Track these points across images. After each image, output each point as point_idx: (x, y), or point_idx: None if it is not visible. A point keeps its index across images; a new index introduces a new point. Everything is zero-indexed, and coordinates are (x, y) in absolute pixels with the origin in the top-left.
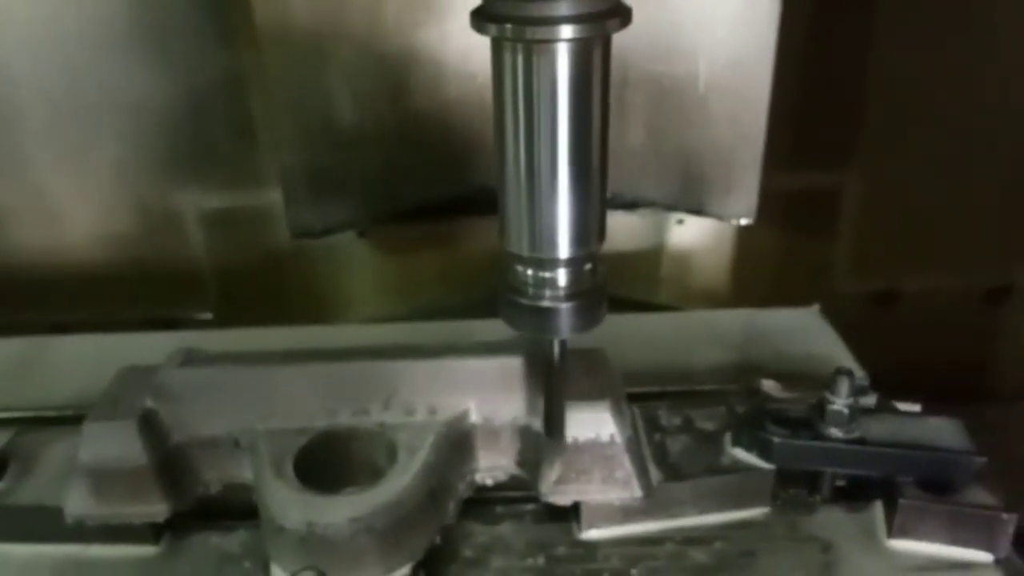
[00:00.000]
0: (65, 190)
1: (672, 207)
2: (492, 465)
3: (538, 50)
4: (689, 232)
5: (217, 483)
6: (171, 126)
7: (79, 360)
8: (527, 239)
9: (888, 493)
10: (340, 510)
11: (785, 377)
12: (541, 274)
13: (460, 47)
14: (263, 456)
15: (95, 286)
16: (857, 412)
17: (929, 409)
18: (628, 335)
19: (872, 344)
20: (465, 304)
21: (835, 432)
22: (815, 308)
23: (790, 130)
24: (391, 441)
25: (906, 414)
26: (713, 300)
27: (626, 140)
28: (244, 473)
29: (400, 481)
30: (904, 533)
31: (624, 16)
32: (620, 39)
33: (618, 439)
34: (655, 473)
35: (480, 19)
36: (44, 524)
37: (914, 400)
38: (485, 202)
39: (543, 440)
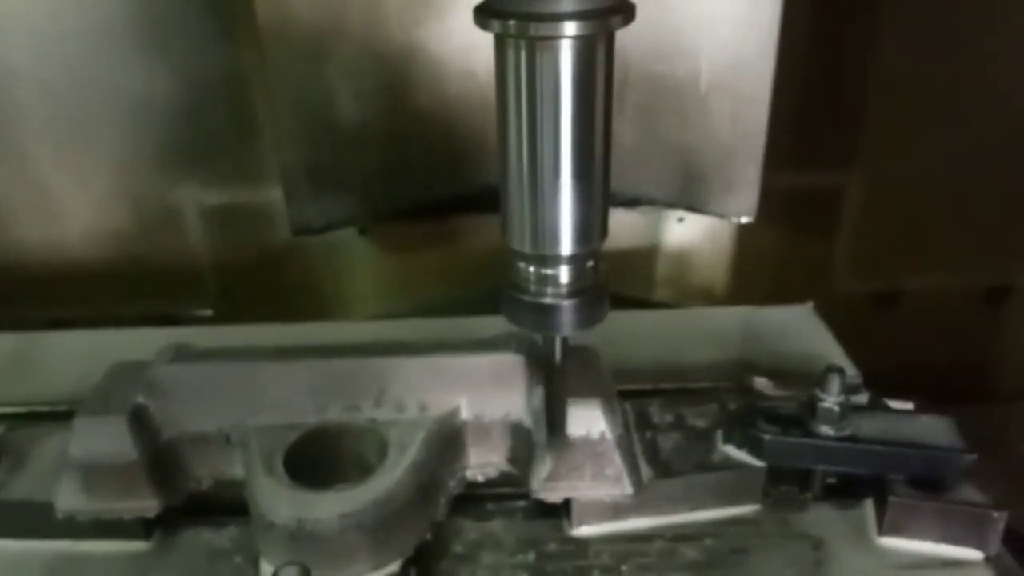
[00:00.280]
0: (65, 186)
1: (673, 205)
2: (483, 462)
3: (541, 46)
4: (689, 230)
5: (208, 479)
6: (172, 122)
7: (73, 356)
8: (529, 236)
9: (879, 491)
10: (330, 506)
11: (778, 375)
12: (543, 271)
13: (461, 44)
14: (253, 452)
15: (95, 282)
16: (848, 410)
17: (928, 408)
18: (621, 332)
19: (872, 344)
20: (465, 301)
21: (826, 430)
22: (809, 306)
23: (791, 129)
24: (382, 437)
25: (898, 412)
26: (713, 299)
27: (627, 138)
28: (235, 469)
29: (390, 477)
30: (895, 531)
31: (627, 13)
32: (621, 38)
33: (609, 436)
34: (646, 470)
35: (483, 15)
36: (35, 519)
37: (915, 400)
38: (485, 200)
39: (538, 436)
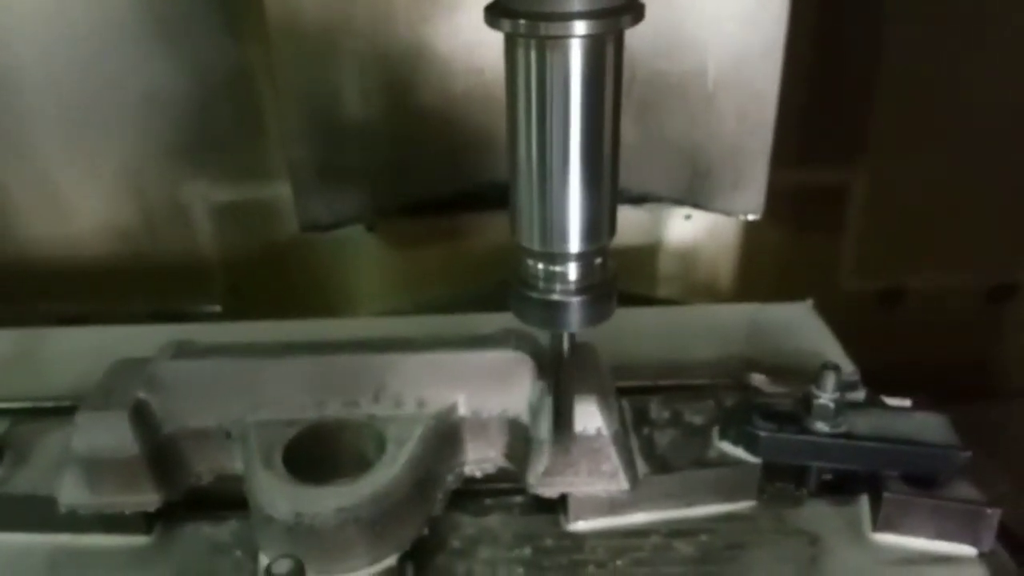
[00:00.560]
0: (73, 182)
1: (679, 202)
2: (480, 457)
3: (551, 46)
4: (694, 228)
5: (209, 474)
6: (180, 118)
7: (78, 352)
8: (538, 233)
9: (874, 487)
10: (327, 500)
11: (775, 371)
12: (552, 268)
13: (469, 42)
14: (252, 447)
15: (102, 279)
16: (843, 406)
17: (927, 406)
18: (622, 328)
19: (876, 341)
20: (471, 298)
21: (821, 426)
22: (808, 303)
23: (797, 127)
24: (380, 433)
25: (893, 409)
26: (717, 296)
27: (633, 135)
28: (235, 464)
29: (388, 472)
30: (889, 527)
31: (637, 12)
32: (628, 35)
33: (605, 432)
34: (642, 466)
35: (494, 14)
36: (38, 513)
37: (918, 397)
38: (492, 197)
39: (535, 432)
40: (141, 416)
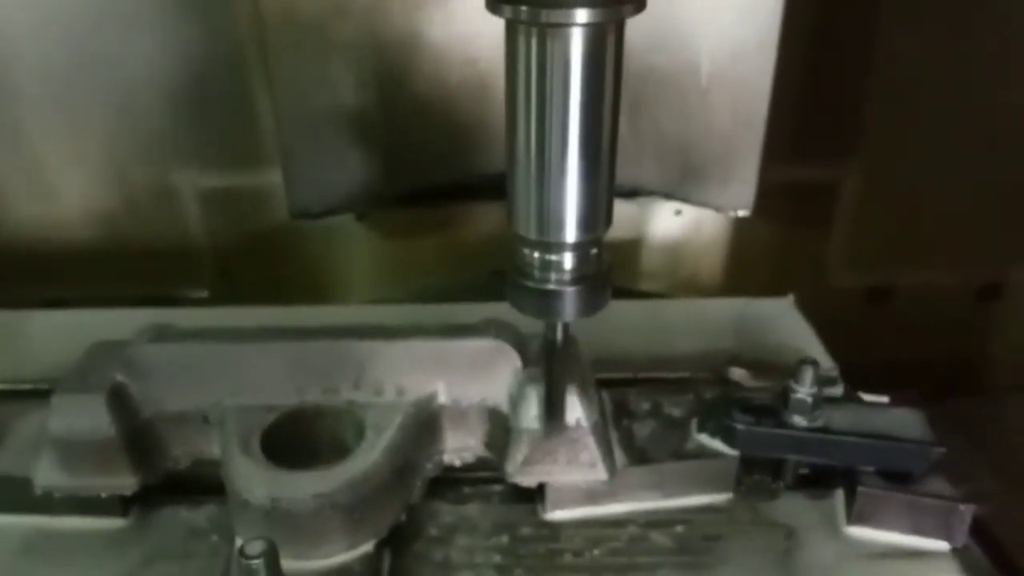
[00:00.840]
0: (62, 166)
1: (670, 196)
2: (459, 446)
3: (552, 34)
4: (685, 222)
5: (186, 458)
6: (171, 104)
7: (61, 334)
8: (535, 222)
9: (849, 481)
10: (305, 486)
11: (755, 366)
12: (547, 257)
13: (463, 31)
14: (230, 432)
15: (91, 263)
16: (820, 401)
17: (907, 402)
18: (607, 321)
19: (865, 338)
20: (462, 288)
21: (798, 420)
22: (790, 298)
23: (789, 123)
24: (359, 420)
25: (870, 404)
26: (706, 291)
27: (625, 128)
28: (213, 448)
29: (366, 459)
30: (863, 520)
31: (638, 2)
32: None
33: (584, 423)
34: (621, 457)
35: (495, 1)
36: (13, 494)
37: (906, 394)
38: (484, 187)
39: (514, 421)
40: (118, 399)
